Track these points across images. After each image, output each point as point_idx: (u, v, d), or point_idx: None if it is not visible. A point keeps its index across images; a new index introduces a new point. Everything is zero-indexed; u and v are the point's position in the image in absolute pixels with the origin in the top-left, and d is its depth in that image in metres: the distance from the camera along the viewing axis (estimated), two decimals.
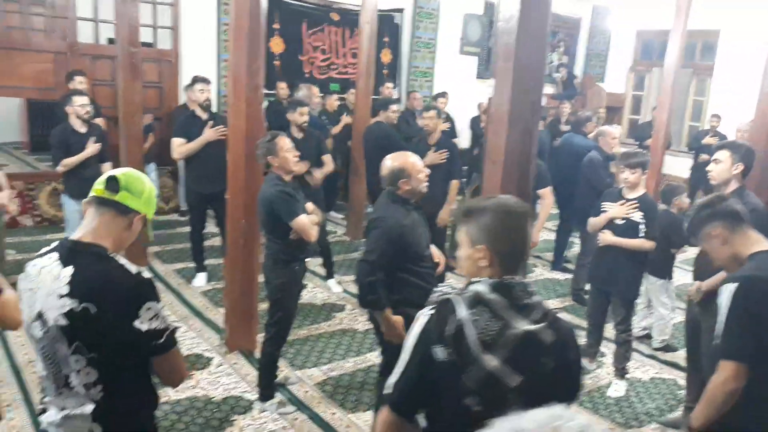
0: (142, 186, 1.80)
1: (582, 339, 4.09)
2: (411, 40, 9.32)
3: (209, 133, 5.01)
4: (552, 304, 5.28)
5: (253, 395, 3.60)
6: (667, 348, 4.58)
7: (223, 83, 7.56)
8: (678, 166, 9.07)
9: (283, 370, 3.84)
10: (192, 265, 5.44)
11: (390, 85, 8.24)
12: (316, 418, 3.46)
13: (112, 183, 1.73)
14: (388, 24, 8.91)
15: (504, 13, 2.37)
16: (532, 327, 1.44)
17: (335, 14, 8.55)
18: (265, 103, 5.11)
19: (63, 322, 1.63)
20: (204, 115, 5.12)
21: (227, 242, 4.18)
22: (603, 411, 3.71)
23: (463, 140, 8.77)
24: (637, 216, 3.77)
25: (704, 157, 7.52)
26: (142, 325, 1.64)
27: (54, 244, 1.76)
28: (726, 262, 2.31)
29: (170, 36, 7.47)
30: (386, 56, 9.10)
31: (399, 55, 9.30)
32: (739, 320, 2.04)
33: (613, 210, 3.85)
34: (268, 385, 3.52)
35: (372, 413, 3.35)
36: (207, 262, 5.45)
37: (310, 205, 3.49)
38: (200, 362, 3.98)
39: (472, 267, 1.56)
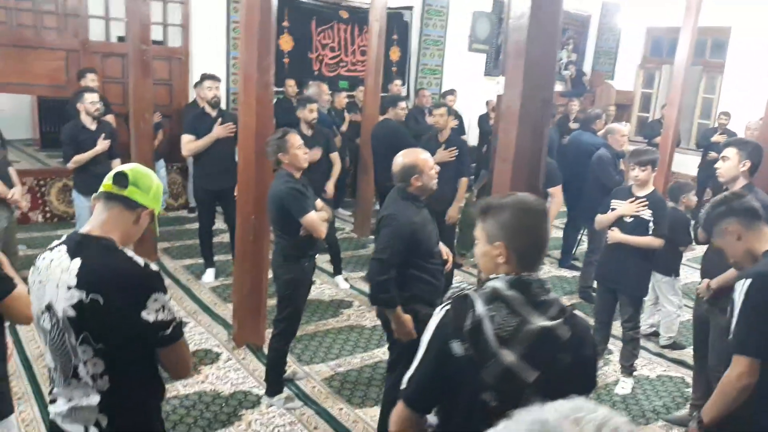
0: (150, 182, 1.83)
1: None
2: (420, 38, 9.32)
3: (218, 131, 5.04)
4: None
5: (260, 390, 3.63)
6: (675, 346, 4.58)
7: (233, 80, 7.59)
8: (687, 164, 9.01)
9: (291, 366, 3.87)
10: (201, 261, 5.47)
11: (399, 82, 8.24)
12: (323, 413, 3.48)
13: (121, 178, 1.76)
14: (397, 21, 8.90)
15: (515, 11, 2.38)
16: (549, 323, 1.45)
17: (344, 12, 8.56)
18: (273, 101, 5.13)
19: (71, 313, 1.65)
20: (213, 113, 5.15)
21: (236, 238, 4.20)
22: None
23: (471, 138, 8.77)
24: (647, 213, 3.77)
25: (713, 154, 7.49)
26: (149, 316, 1.66)
27: (63, 238, 1.78)
28: (740, 258, 2.33)
29: (180, 34, 7.51)
30: (395, 54, 9.10)
31: (408, 53, 9.30)
32: (753, 315, 2.06)
33: (623, 207, 3.85)
34: (276, 381, 3.54)
35: (379, 409, 3.36)
36: (215, 258, 5.48)
37: (319, 202, 3.51)
38: (209, 357, 4.01)
39: (489, 263, 1.57)
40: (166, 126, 7.05)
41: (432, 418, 1.63)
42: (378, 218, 2.95)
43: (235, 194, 4.40)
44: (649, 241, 3.75)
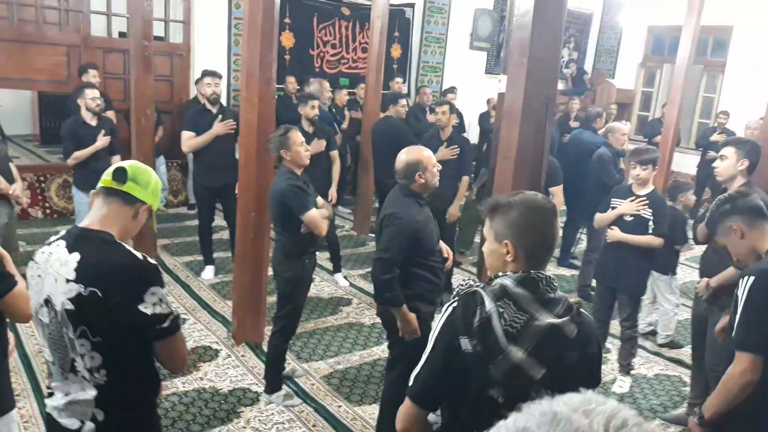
0: (149, 178, 1.85)
1: None
2: (421, 35, 9.30)
3: (218, 127, 5.03)
4: None
5: (259, 387, 3.63)
6: (672, 344, 4.59)
7: (234, 77, 7.58)
8: (687, 163, 9.02)
9: (290, 363, 3.87)
10: (200, 258, 5.47)
11: (400, 79, 8.23)
12: (322, 411, 3.49)
13: (120, 173, 1.78)
14: (398, 19, 8.90)
15: (519, 8, 2.37)
16: (557, 321, 1.46)
17: (346, 9, 8.54)
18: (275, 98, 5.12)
19: (70, 306, 1.66)
20: (214, 109, 5.14)
21: (236, 235, 4.20)
22: None
23: (471, 136, 8.76)
24: (647, 213, 3.77)
25: (712, 154, 7.49)
26: (146, 309, 1.67)
27: (62, 233, 1.80)
28: (744, 256, 2.35)
29: (182, 30, 7.50)
30: (396, 51, 9.10)
31: (409, 50, 9.29)
32: (756, 313, 2.08)
33: (623, 206, 3.85)
34: (275, 378, 3.55)
35: (377, 407, 3.37)
36: (215, 255, 5.48)
37: (320, 200, 3.51)
38: (208, 354, 4.01)
39: (497, 262, 1.58)
40: (166, 122, 7.04)
41: (432, 417, 1.64)
42: (380, 217, 2.95)
43: (237, 192, 4.40)
44: (649, 240, 3.75)
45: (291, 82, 7.54)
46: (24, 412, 3.24)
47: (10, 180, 4.39)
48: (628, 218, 3.82)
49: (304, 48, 8.28)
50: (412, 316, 2.84)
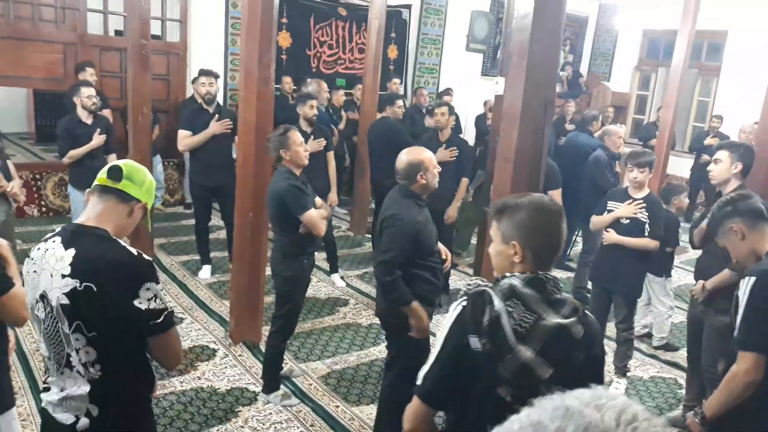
0: (144, 176, 1.87)
1: None
2: (418, 36, 9.33)
3: (214, 127, 5.03)
4: None
5: (257, 387, 3.63)
6: (667, 347, 4.61)
7: (230, 76, 7.58)
8: (681, 167, 9.08)
9: (287, 363, 3.87)
10: (197, 257, 5.47)
11: (397, 80, 8.26)
12: (319, 411, 3.49)
13: (115, 171, 1.81)
14: (395, 20, 8.92)
15: (519, 11, 2.39)
16: (564, 321, 1.48)
17: (343, 9, 8.56)
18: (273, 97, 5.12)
19: (65, 301, 1.68)
20: (210, 109, 5.14)
21: (234, 234, 4.20)
22: None
23: (467, 137, 8.77)
24: (643, 215, 3.79)
25: (705, 157, 7.54)
26: (141, 304, 1.68)
27: (58, 229, 1.81)
28: (744, 257, 2.38)
29: (179, 29, 7.49)
30: (393, 52, 9.12)
31: (405, 51, 9.31)
32: (757, 313, 2.10)
33: (621, 209, 3.87)
34: (273, 377, 3.55)
35: (375, 407, 3.38)
36: (212, 254, 5.47)
37: (319, 200, 3.51)
38: (205, 354, 4.01)
39: (504, 263, 1.60)
40: (162, 121, 7.03)
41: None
42: (381, 218, 2.95)
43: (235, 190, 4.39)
44: (645, 242, 3.78)
45: (287, 82, 7.55)
46: (21, 410, 3.23)
47: (8, 177, 4.38)
48: (624, 221, 3.85)
49: (301, 48, 8.28)
50: (424, 313, 2.85)
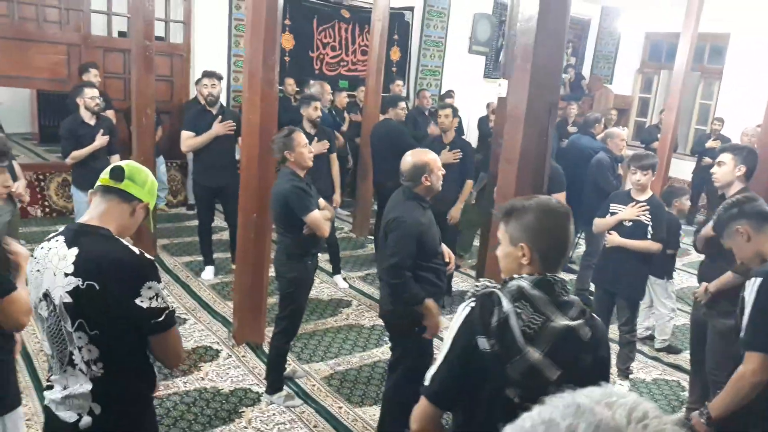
0: (145, 177, 1.89)
1: None
2: (420, 39, 9.34)
3: (217, 128, 5.04)
4: None
5: (260, 388, 3.64)
6: (670, 349, 4.62)
7: (234, 78, 7.59)
8: (683, 169, 9.08)
9: (291, 364, 3.88)
10: (200, 258, 5.48)
11: (400, 82, 8.26)
12: (323, 412, 3.50)
13: (117, 172, 1.83)
14: (398, 22, 8.93)
15: (523, 14, 2.40)
16: (572, 323, 1.49)
17: (346, 11, 8.57)
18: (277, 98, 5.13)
19: (68, 299, 1.69)
20: (213, 110, 5.15)
21: (238, 235, 4.21)
22: None
23: (470, 139, 8.78)
24: (647, 218, 3.80)
25: (707, 160, 7.54)
26: (142, 303, 1.70)
27: (61, 229, 1.83)
28: (749, 259, 2.39)
29: (182, 30, 7.51)
30: (395, 54, 9.13)
31: (408, 53, 9.33)
32: (763, 314, 2.11)
33: (625, 212, 3.88)
34: (276, 378, 3.56)
35: (378, 408, 3.38)
36: (215, 255, 5.48)
37: (322, 201, 3.52)
38: (208, 354, 4.01)
39: (512, 264, 1.60)
40: (166, 122, 7.04)
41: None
42: (384, 221, 2.95)
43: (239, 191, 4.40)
44: (648, 245, 3.78)
45: (290, 84, 7.56)
46: (26, 409, 3.24)
47: (14, 178, 4.39)
48: (627, 223, 3.86)
49: (304, 50, 8.30)
50: (438, 310, 2.85)
